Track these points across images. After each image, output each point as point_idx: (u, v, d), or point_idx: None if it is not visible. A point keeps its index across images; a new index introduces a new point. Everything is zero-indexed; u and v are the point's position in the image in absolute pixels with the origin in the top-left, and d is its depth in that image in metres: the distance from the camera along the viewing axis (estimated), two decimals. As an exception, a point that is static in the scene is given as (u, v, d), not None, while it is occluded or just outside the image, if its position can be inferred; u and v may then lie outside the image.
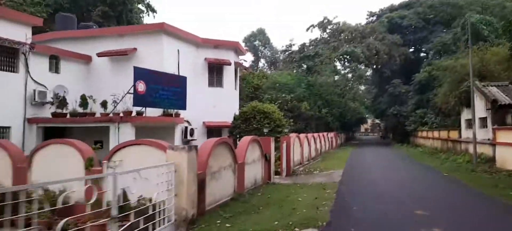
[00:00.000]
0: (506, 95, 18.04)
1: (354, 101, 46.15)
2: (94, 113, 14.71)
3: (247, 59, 70.58)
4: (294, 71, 45.69)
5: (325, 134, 32.87)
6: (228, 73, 24.35)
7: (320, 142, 29.48)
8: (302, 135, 23.16)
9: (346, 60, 48.82)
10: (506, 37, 16.55)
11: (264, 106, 24.48)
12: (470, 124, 21.93)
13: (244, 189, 11.49)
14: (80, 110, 14.59)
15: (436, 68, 29.54)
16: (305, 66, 49.60)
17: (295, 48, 53.82)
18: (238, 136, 23.09)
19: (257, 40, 73.47)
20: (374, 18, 56.51)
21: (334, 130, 43.44)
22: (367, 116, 78.69)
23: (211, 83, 23.71)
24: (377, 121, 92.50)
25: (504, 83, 20.03)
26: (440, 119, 32.70)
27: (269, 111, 23.88)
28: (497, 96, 17.79)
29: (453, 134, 24.82)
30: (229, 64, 23.88)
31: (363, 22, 56.70)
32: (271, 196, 11.31)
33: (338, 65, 51.34)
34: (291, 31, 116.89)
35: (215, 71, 24.09)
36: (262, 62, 73.02)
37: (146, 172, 6.23)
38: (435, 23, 51.25)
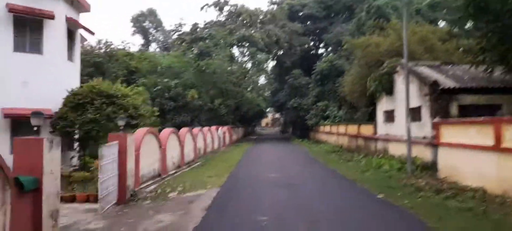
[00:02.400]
0: (445, 77, 12.69)
1: (251, 91, 39.64)
2: None
3: (136, 42, 59.58)
4: (184, 54, 37.22)
5: (214, 128, 25.34)
6: (53, 34, 15.29)
7: (205, 139, 21.82)
8: (166, 131, 15.08)
9: (244, 46, 42.11)
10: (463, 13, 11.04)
11: (110, 86, 15.80)
12: (390, 116, 16.60)
13: None
14: None
15: (346, 47, 24.29)
16: (196, 49, 41.50)
17: (186, 29, 45.33)
18: (67, 130, 14.30)
19: (147, 21, 62.63)
20: (275, 6, 51.07)
21: (228, 124, 36.36)
22: (267, 110, 74.34)
23: (19, 47, 14.51)
24: (277, 115, 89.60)
25: (434, 63, 14.95)
26: (345, 112, 27.99)
27: (118, 94, 15.45)
28: (438, 78, 12.27)
29: (366, 130, 19.56)
30: (53, 17, 14.93)
31: (264, 8, 50.87)
32: None
33: (236, 52, 44.48)
34: (186, 15, 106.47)
35: (28, 28, 14.80)
36: (153, 47, 62.51)
37: None
38: (336, 13, 48.07)
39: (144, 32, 63.15)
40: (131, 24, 62.59)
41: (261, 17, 46.27)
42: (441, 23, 27.06)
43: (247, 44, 40.64)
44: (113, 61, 30.84)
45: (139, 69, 33.95)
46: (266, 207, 8.49)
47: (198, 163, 18.11)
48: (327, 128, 30.35)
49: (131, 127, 14.85)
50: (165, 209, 8.62)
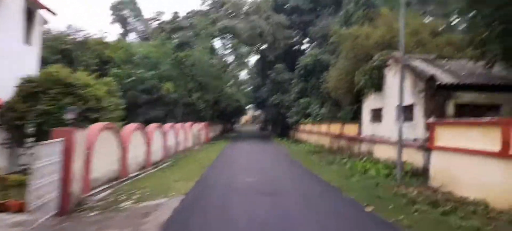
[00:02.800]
0: (441, 72, 11.43)
1: (232, 86, 37.92)
2: None
3: (115, 31, 56.78)
4: (163, 44, 35.10)
5: (187, 125, 23.58)
6: (6, 12, 13.36)
7: (177, 136, 20.06)
8: (130, 127, 13.32)
9: (226, 38, 40.31)
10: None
11: (68, 75, 13.94)
12: (377, 115, 15.34)
13: None
14: None
15: (334, 37, 22.87)
16: (176, 40, 39.42)
17: (167, 17, 43.13)
18: (17, 124, 12.48)
19: (127, 10, 59.76)
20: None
21: (206, 120, 34.61)
22: (247, 106, 72.76)
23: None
24: (258, 112, 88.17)
25: (428, 56, 13.72)
26: (328, 110, 26.73)
27: (78, 83, 13.68)
28: (435, 73, 10.98)
29: (350, 129, 18.28)
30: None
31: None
32: None
33: (218, 44, 42.58)
34: (168, 4, 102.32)
35: (-31, 2, 12.76)
36: (132, 37, 59.68)
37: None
38: (323, 6, 46.83)
39: (122, 21, 60.23)
40: (111, 12, 59.68)
41: (245, 8, 44.53)
42: (429, 19, 26.10)
43: (230, 36, 38.82)
44: (84, 49, 28.60)
45: (114, 59, 31.81)
46: (238, 224, 6.95)
47: (167, 164, 16.38)
48: (308, 127, 29.07)
49: (91, 121, 13.07)
50: (112, 224, 6.94)
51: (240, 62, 38.37)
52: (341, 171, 13.55)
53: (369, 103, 16.10)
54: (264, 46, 47.80)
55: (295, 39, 47.88)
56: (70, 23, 27.32)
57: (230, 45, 40.61)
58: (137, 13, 61.25)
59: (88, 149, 9.26)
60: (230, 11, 41.40)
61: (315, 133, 26.39)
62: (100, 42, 35.45)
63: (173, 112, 28.80)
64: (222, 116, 47.58)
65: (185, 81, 33.44)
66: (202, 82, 34.55)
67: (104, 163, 10.57)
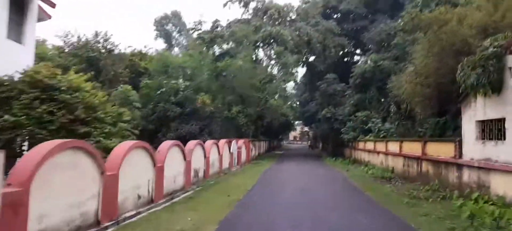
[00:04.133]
0: None
1: (275, 97, 33.49)
2: None
3: (159, 46, 55.63)
4: (200, 54, 31.94)
5: (223, 142, 19.47)
6: None
7: (208, 156, 15.92)
8: (124, 146, 9.28)
9: (270, 46, 36.22)
10: None
11: (51, 75, 10.42)
12: (491, 129, 10.00)
13: None
14: None
15: (409, 25, 17.67)
16: (215, 49, 36.18)
17: (207, 27, 40.31)
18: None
19: (171, 24, 58.63)
20: (308, 4, 44.95)
21: (248, 136, 30.45)
22: (295, 122, 67.86)
23: None
24: (306, 128, 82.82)
25: None
26: (398, 124, 21.28)
27: (62, 86, 10.13)
28: None
29: (440, 150, 12.88)
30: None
31: (295, 5, 44.79)
32: None
33: (261, 54, 38.55)
34: (210, 15, 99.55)
35: None
36: (175, 51, 58.18)
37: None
38: (379, 11, 41.37)
39: (167, 36, 59.26)
40: (154, 27, 58.93)
41: (291, 14, 40.43)
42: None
43: (274, 43, 34.71)
44: (116, 60, 26.00)
45: (149, 70, 29.07)
46: None
47: (189, 193, 12.23)
48: (370, 145, 23.64)
49: (78, 136, 9.36)
50: None
51: (286, 72, 33.83)
52: (447, 217, 8.38)
53: (476, 113, 10.77)
54: (312, 58, 43.28)
55: (346, 48, 42.67)
56: (99, 30, 24.66)
57: (274, 56, 36.24)
58: (182, 27, 59.92)
59: (22, 185, 5.33)
60: (274, 17, 37.42)
61: (379, 153, 20.97)
62: (136, 54, 33.20)
63: (209, 128, 24.99)
64: (267, 132, 43.28)
65: (224, 93, 29.68)
66: (243, 95, 30.58)
67: (68, 200, 6.61)
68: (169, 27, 58.76)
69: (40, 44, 23.76)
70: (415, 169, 15.27)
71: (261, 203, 10.62)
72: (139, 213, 9.03)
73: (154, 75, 27.41)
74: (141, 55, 33.83)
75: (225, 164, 19.93)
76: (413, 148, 15.62)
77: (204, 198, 11.26)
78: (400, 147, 17.30)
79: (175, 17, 59.19)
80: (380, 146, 20.95)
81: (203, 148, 15.58)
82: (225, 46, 36.58)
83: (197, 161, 14.78)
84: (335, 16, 43.48)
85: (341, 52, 44.03)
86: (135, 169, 9.32)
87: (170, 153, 11.70)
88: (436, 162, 13.21)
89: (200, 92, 25.68)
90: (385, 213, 9.40)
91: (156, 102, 24.12)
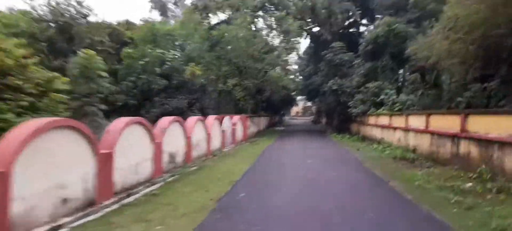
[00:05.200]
0: None
1: (274, 67, 29.81)
2: None
3: (154, 17, 51.55)
4: (191, 20, 28.21)
5: (211, 119, 16.15)
6: None
7: (189, 136, 12.61)
8: (35, 124, 5.92)
9: (270, 13, 32.25)
10: None
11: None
12: None
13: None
14: None
15: None
16: (211, 19, 32.40)
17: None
18: None
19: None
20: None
21: (246, 112, 27.12)
22: (298, 97, 64.21)
23: None
24: (309, 103, 79.26)
25: None
26: (421, 93, 17.83)
27: None
28: None
29: (489, 125, 9.44)
30: None
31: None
32: None
33: (260, 24, 34.47)
34: None
35: None
36: (172, 24, 54.04)
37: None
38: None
39: (162, 8, 54.99)
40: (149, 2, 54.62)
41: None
42: None
43: (274, 9, 30.80)
44: (93, 28, 22.47)
45: (134, 40, 25.50)
46: None
47: (155, 187, 9.02)
48: (384, 119, 20.21)
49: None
50: None
51: (288, 40, 29.96)
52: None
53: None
54: (316, 28, 39.29)
55: (354, 15, 38.46)
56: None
57: (275, 24, 32.21)
58: (181, 3, 55.56)
59: None
60: (275, -20, 33.18)
61: (397, 129, 17.58)
62: (122, 24, 29.57)
63: (201, 102, 21.64)
64: (268, 107, 39.91)
65: (219, 64, 26.12)
66: (240, 66, 27.02)
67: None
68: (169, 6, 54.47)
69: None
70: (449, 150, 11.90)
71: (249, 205, 7.35)
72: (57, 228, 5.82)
73: (140, 46, 23.89)
74: (128, 24, 30.21)
75: (216, 144, 16.67)
76: (446, 122, 12.18)
77: (170, 197, 8.01)
78: (427, 122, 13.86)
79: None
80: (398, 121, 17.52)
81: (183, 126, 12.26)
82: (221, 15, 32.71)
83: (174, 143, 11.51)
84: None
85: (347, 22, 40.01)
86: (53, 161, 6.05)
87: (126, 134, 8.39)
88: (484, 142, 9.81)
89: (191, 63, 22.17)
90: (434, 223, 6.10)
91: (138, 74, 20.70)
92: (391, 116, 18.82)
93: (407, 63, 24.08)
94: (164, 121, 10.93)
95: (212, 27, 30.37)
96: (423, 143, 14.22)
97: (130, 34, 26.91)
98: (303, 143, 22.37)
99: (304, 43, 43.38)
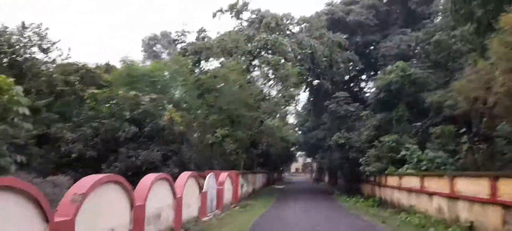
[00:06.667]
0: None
1: (272, 116, 25.54)
2: None
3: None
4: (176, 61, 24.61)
5: (181, 178, 11.51)
6: None
7: (142, 205, 7.94)
8: None
9: (266, 60, 28.78)
10: None
11: None
12: None
13: None
14: None
15: None
16: (202, 64, 28.93)
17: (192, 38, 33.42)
18: None
19: (160, 45, 52.05)
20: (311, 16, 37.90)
21: (238, 168, 22.46)
22: (297, 153, 59.66)
23: None
24: (308, 159, 74.48)
25: None
26: (467, 148, 13.47)
27: None
28: None
29: None
30: None
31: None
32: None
33: (255, 73, 30.81)
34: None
35: None
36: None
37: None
38: (392, 24, 34.55)
39: (155, 57, 52.39)
40: (141, 49, 52.35)
41: (291, 27, 33.45)
42: None
43: (270, 53, 27.47)
44: (59, 66, 18.71)
45: (111, 83, 21.61)
46: None
47: None
48: (411, 181, 15.55)
49: None
50: None
51: (287, 86, 26.03)
52: None
53: None
54: (316, 81, 36.03)
55: (357, 65, 35.38)
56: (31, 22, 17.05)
57: (271, 71, 28.54)
58: (172, 48, 53.28)
59: None
60: (271, 26, 30.32)
61: (434, 194, 12.91)
62: (101, 67, 25.93)
63: (180, 156, 17.09)
64: (266, 163, 35.17)
65: (208, 111, 22.02)
66: (232, 114, 22.90)
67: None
68: (158, 48, 52.11)
69: None
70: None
71: None
72: None
73: (116, 87, 19.95)
74: (107, 67, 26.53)
75: (190, 212, 11.87)
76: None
77: None
78: (493, 188, 9.32)
79: (164, 37, 52.62)
80: (436, 184, 12.89)
81: (126, 191, 7.61)
82: (213, 62, 29.27)
83: (107, 218, 6.84)
84: (345, 19, 36.38)
85: (348, 76, 36.88)
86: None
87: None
88: None
89: (169, 105, 18.02)
90: None
91: (102, 120, 16.39)
92: (423, 177, 14.22)
93: (428, 114, 20.19)
94: (85, 183, 6.34)
95: (201, 73, 26.80)
96: (488, 218, 9.54)
97: (107, 78, 23.15)
98: (308, 211, 17.40)
99: (303, 97, 39.97)
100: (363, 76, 40.33)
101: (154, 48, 51.58)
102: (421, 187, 14.14)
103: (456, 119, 17.33)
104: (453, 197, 11.51)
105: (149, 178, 8.95)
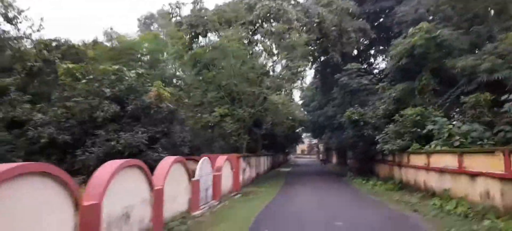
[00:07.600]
0: None
1: (276, 91, 22.75)
2: None
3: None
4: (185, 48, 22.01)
5: (164, 163, 9.10)
6: None
7: (98, 208, 5.56)
8: None
9: (269, 29, 25.86)
10: None
11: None
12: None
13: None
14: None
15: None
16: (200, 39, 26.18)
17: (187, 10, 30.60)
18: None
19: (156, 24, 49.08)
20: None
21: (240, 150, 20.05)
22: (303, 135, 57.07)
23: None
24: (314, 140, 72.10)
25: None
26: None
27: None
28: None
29: None
30: None
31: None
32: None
33: (257, 48, 27.97)
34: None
35: None
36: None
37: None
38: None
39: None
40: (137, 28, 49.44)
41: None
42: None
43: (273, 19, 24.60)
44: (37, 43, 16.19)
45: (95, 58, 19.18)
46: None
47: None
48: (443, 159, 12.97)
49: None
50: None
51: (292, 58, 23.13)
52: None
53: None
54: (323, 57, 33.19)
55: (370, 35, 32.25)
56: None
57: (275, 43, 25.71)
58: (166, 22, 50.33)
59: None
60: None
61: (476, 175, 10.37)
62: (88, 44, 23.41)
63: (169, 137, 14.68)
64: (271, 145, 32.80)
65: (204, 88, 19.50)
66: (232, 91, 20.35)
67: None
68: (155, 27, 49.15)
69: None
70: None
71: None
72: None
73: (101, 62, 17.46)
74: (95, 43, 23.98)
75: (177, 206, 9.51)
76: None
77: None
78: None
79: (162, 16, 49.58)
80: (483, 163, 10.30)
81: (67, 189, 5.18)
82: (211, 37, 26.44)
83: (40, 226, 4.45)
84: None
85: (357, 47, 33.80)
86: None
87: None
88: None
89: (156, 82, 15.46)
90: None
91: (78, 98, 13.94)
92: (461, 154, 11.62)
93: (455, 82, 17.43)
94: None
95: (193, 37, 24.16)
96: None
97: (92, 54, 20.65)
98: (320, 198, 14.97)
99: (308, 78, 37.25)
100: (372, 51, 37.37)
101: (151, 28, 48.56)
102: (460, 166, 11.56)
103: (493, 86, 14.75)
104: (508, 178, 8.95)
105: (109, 166, 6.49)
